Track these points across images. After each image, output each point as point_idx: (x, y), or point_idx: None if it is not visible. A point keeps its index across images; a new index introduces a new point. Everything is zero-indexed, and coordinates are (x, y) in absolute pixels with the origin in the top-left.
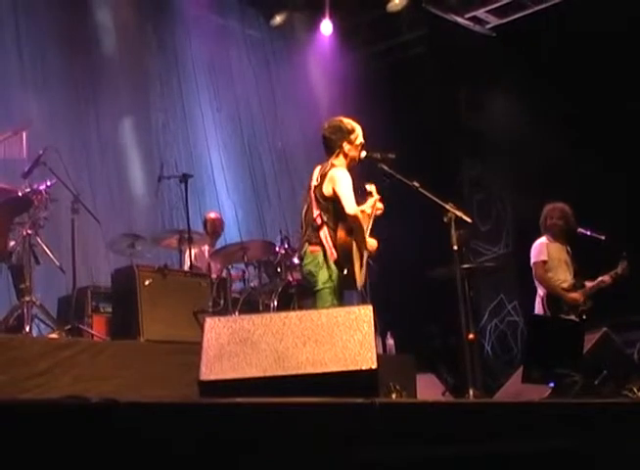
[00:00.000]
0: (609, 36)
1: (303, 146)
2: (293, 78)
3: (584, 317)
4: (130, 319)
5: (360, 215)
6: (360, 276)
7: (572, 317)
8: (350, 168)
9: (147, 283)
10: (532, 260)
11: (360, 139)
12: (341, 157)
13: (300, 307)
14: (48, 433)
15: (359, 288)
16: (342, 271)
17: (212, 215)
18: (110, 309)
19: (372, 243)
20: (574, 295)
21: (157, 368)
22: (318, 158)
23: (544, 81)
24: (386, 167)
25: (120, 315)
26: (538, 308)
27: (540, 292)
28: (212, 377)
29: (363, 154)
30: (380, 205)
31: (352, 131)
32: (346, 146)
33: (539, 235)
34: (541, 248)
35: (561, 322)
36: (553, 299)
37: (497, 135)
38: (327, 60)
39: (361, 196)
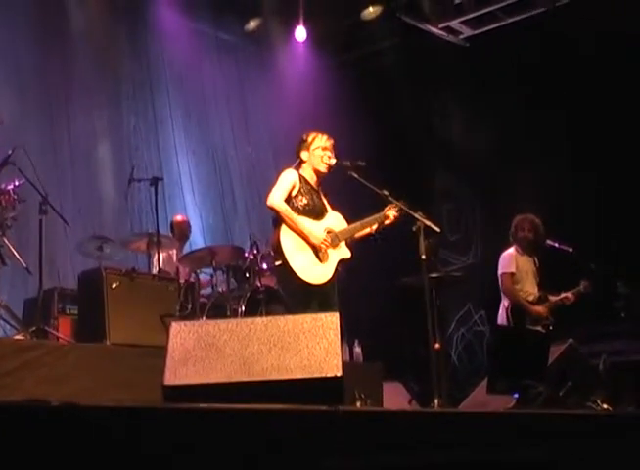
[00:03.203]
0: (583, 48)
1: (273, 152)
2: (265, 85)
3: (550, 328)
4: (96, 322)
5: (279, 208)
6: (310, 272)
7: (538, 328)
8: (320, 176)
9: (114, 286)
10: (500, 271)
11: (320, 146)
12: (304, 166)
13: (268, 313)
14: (6, 435)
15: (312, 282)
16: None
17: (179, 218)
18: (76, 312)
19: (346, 252)
20: (539, 308)
21: (122, 372)
22: (287, 164)
23: (516, 93)
24: (355, 175)
25: (86, 318)
26: (502, 319)
27: (505, 302)
28: (177, 382)
29: (332, 161)
30: (391, 212)
31: (311, 140)
32: (304, 154)
33: (508, 246)
34: (510, 259)
35: (526, 333)
36: (517, 310)
37: (469, 146)
38: (300, 66)
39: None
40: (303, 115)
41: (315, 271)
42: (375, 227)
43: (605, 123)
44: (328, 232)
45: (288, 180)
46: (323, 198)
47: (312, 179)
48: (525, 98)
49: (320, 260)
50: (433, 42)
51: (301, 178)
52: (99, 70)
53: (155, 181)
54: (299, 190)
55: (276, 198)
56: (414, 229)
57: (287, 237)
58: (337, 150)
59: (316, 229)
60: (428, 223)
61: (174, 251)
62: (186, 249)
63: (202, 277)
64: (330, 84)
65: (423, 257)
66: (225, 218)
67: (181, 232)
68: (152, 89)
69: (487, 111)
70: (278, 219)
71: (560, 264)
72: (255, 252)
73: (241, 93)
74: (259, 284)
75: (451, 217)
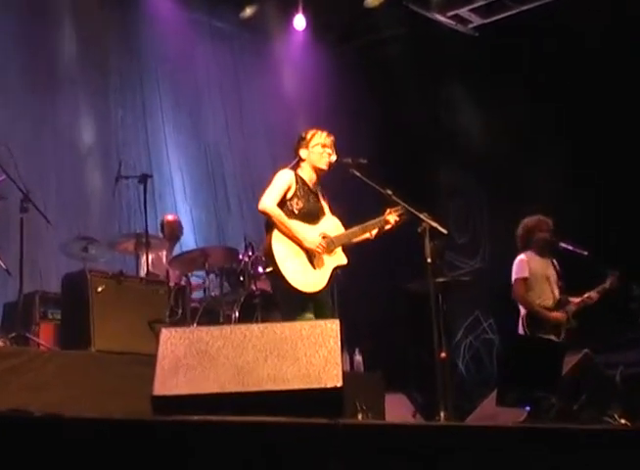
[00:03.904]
0: (594, 37)
1: (269, 147)
2: (261, 76)
3: (564, 337)
4: (81, 328)
5: (272, 212)
6: (302, 279)
7: (552, 337)
8: (320, 175)
9: (100, 289)
10: (513, 277)
11: (319, 142)
12: (303, 165)
13: (264, 319)
14: None
15: (304, 289)
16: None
17: (170, 218)
18: (59, 317)
19: (342, 258)
20: (557, 314)
21: (108, 381)
22: (285, 160)
23: (529, 85)
24: (357, 173)
25: (70, 323)
26: (518, 328)
27: (521, 311)
28: (167, 392)
29: (333, 158)
30: (391, 217)
31: (310, 137)
32: (303, 152)
33: (519, 250)
34: (522, 264)
35: (539, 342)
36: (533, 318)
37: (478, 140)
38: (299, 57)
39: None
40: (302, 107)
41: (309, 278)
42: (374, 232)
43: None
44: (323, 237)
45: (282, 182)
46: (322, 200)
47: (311, 179)
48: (537, 89)
49: (314, 267)
50: (440, 31)
51: (298, 179)
52: (85, 60)
53: (144, 178)
54: (295, 192)
55: (268, 202)
56: (419, 230)
57: (279, 242)
58: (337, 146)
59: (311, 234)
60: (434, 224)
61: (164, 252)
62: (176, 250)
63: (193, 280)
64: (330, 76)
65: (428, 260)
66: (218, 218)
67: (172, 232)
68: (141, 80)
69: (497, 103)
70: (270, 223)
71: (572, 268)
72: (250, 254)
73: (236, 84)
74: (255, 288)
75: (458, 217)
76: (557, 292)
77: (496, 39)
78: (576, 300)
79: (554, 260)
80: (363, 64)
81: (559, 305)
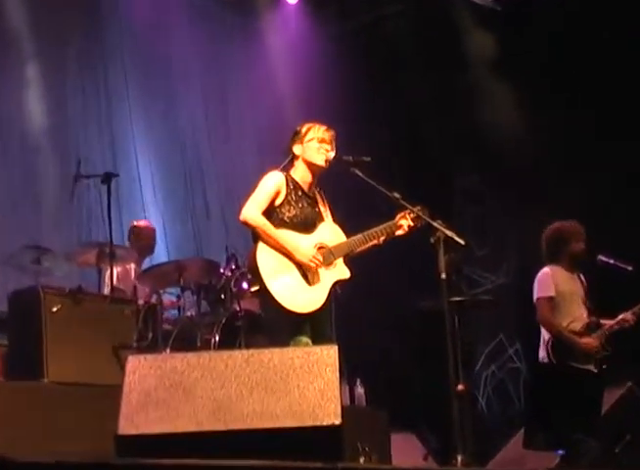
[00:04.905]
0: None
1: (257, 143)
2: (247, 60)
3: (604, 367)
4: (32, 355)
5: (254, 222)
6: (294, 298)
7: (590, 367)
8: (316, 174)
9: (55, 309)
10: (537, 296)
11: (316, 137)
12: (297, 163)
13: (249, 345)
14: None
15: (297, 310)
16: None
17: (142, 224)
18: (5, 342)
19: (343, 272)
20: (589, 340)
21: (64, 417)
22: (274, 157)
23: (561, 68)
24: (359, 173)
25: (19, 349)
26: (542, 355)
27: (545, 335)
28: (134, 431)
29: (331, 155)
30: (404, 221)
31: (305, 131)
32: (297, 148)
33: (545, 261)
34: (547, 280)
35: (574, 373)
36: (560, 345)
37: (500, 135)
38: (291, 37)
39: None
40: (294, 97)
41: (302, 296)
42: (382, 239)
43: None
44: (319, 248)
45: (269, 186)
46: (320, 204)
47: (305, 181)
48: (577, 73)
49: (309, 283)
50: (454, 6)
51: (289, 182)
52: (37, 35)
53: (107, 178)
54: (286, 198)
55: (250, 211)
56: (432, 241)
57: (265, 255)
58: (337, 140)
59: (304, 245)
60: (449, 234)
61: (132, 265)
62: (146, 263)
63: (166, 298)
64: (327, 60)
65: (443, 275)
66: (195, 225)
67: (143, 241)
68: (105, 62)
69: (528, 94)
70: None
71: (606, 285)
72: (233, 267)
73: (217, 69)
74: (238, 308)
75: (478, 226)
76: (585, 313)
77: (522, 14)
78: (609, 322)
79: (581, 275)
80: (365, 45)
81: (588, 328)
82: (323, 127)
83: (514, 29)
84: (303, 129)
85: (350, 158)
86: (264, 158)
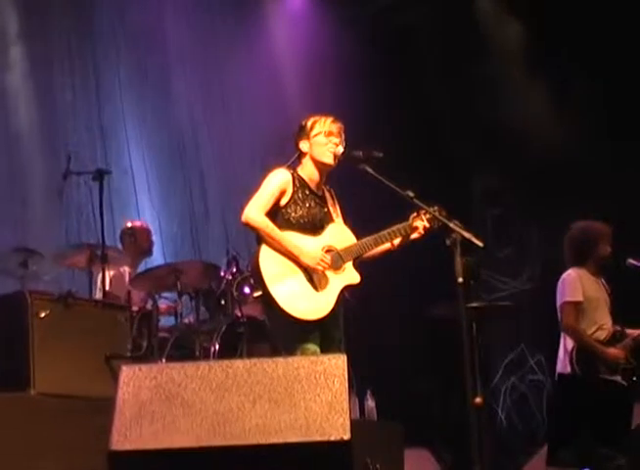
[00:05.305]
0: None
1: (259, 138)
2: (249, 46)
3: (635, 379)
4: (17, 364)
5: (256, 224)
6: (300, 304)
7: (617, 378)
8: (324, 171)
9: (43, 315)
10: (562, 300)
11: (323, 131)
12: (304, 161)
13: (251, 354)
14: None
15: (303, 317)
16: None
17: (137, 224)
18: None
19: (353, 277)
20: (614, 351)
21: (52, 432)
22: (277, 154)
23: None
24: (370, 169)
25: (4, 359)
26: (563, 365)
27: (568, 343)
28: (128, 446)
29: (340, 150)
30: (420, 223)
31: (310, 125)
32: (304, 144)
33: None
34: (574, 283)
35: (602, 385)
36: (585, 354)
37: (523, 131)
38: (297, 25)
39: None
40: (301, 88)
41: (308, 303)
42: (397, 241)
43: None
44: (327, 250)
45: (274, 185)
46: (329, 204)
47: (313, 179)
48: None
49: (316, 288)
50: None
51: (297, 180)
52: (23, 20)
53: (99, 175)
54: (292, 197)
55: (252, 211)
56: (448, 243)
57: (269, 259)
58: (346, 136)
59: (311, 247)
60: (467, 235)
61: (126, 268)
62: (142, 266)
63: (162, 304)
64: (338, 48)
65: (460, 279)
66: (194, 226)
67: (139, 244)
68: (95, 52)
69: (555, 86)
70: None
71: (631, 291)
72: (235, 271)
73: (217, 59)
74: (239, 314)
75: (498, 228)
76: (610, 321)
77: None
78: (636, 332)
79: (603, 280)
80: (378, 33)
81: (614, 338)
82: (329, 119)
83: (540, 19)
84: (309, 123)
85: (360, 153)
86: (268, 153)
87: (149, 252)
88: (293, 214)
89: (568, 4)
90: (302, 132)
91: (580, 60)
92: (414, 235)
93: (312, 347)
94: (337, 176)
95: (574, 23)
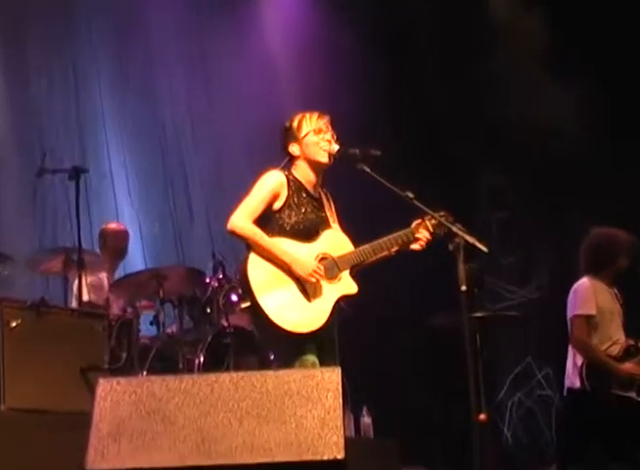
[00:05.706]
0: None
1: (248, 136)
2: (238, 39)
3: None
4: None
5: (243, 232)
6: (290, 316)
7: (632, 395)
8: (320, 171)
9: (14, 325)
10: (573, 312)
11: (312, 129)
12: (298, 162)
13: (239, 366)
14: None
15: (294, 330)
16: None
17: (114, 226)
18: None
19: (349, 286)
20: (627, 367)
21: (23, 450)
22: (268, 155)
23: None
24: (367, 169)
25: None
26: (572, 381)
27: (577, 358)
28: (105, 466)
29: (335, 148)
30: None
31: (297, 125)
32: (294, 148)
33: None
34: (587, 295)
35: (614, 401)
36: (596, 370)
37: (531, 130)
38: (291, 21)
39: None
40: (297, 88)
41: (300, 314)
42: (395, 249)
43: None
44: (322, 258)
45: (266, 189)
46: (326, 207)
47: (310, 180)
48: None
49: (309, 298)
50: None
51: (292, 183)
52: None
53: (75, 173)
54: (287, 201)
55: (239, 219)
56: (451, 248)
57: (258, 268)
58: (340, 137)
59: (304, 255)
60: (470, 240)
61: (104, 274)
62: (120, 271)
63: (142, 302)
64: (334, 46)
65: (463, 287)
66: (177, 229)
67: (116, 247)
68: (71, 37)
69: (565, 83)
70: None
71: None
72: (221, 277)
73: (201, 49)
74: (226, 323)
75: (504, 232)
76: (624, 336)
77: None
78: None
79: (616, 290)
80: (377, 31)
81: (627, 353)
82: (315, 115)
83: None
84: (294, 124)
85: (357, 151)
86: (255, 151)
87: (125, 254)
88: (287, 220)
89: (568, 4)
90: (289, 135)
91: (585, 60)
92: (415, 246)
93: (311, 357)
94: (330, 175)
95: (581, 23)
